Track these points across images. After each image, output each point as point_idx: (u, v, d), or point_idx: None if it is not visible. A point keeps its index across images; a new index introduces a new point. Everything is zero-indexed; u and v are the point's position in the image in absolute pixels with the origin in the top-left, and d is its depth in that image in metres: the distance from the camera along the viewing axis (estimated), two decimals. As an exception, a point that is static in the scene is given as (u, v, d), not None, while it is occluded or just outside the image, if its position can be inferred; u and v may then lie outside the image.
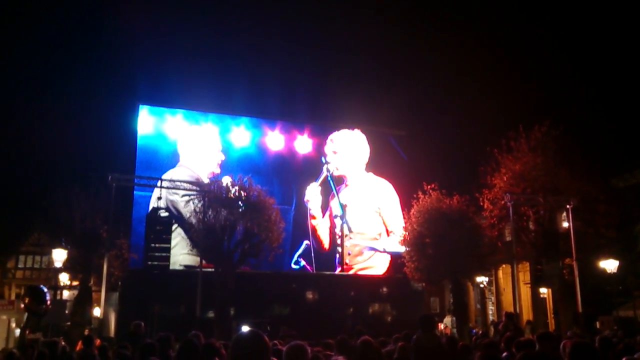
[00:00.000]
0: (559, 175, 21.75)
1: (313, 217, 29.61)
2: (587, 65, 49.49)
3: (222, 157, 28.72)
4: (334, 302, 27.94)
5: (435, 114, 53.44)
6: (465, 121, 50.44)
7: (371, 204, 30.86)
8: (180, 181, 23.46)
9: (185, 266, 25.73)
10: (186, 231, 22.00)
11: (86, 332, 15.46)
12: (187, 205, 23.60)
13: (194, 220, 21.92)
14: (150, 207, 26.11)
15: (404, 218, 25.86)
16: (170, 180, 23.17)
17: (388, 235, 30.31)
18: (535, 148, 22.23)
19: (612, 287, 22.03)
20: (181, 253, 25.17)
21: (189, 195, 23.24)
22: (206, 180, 25.69)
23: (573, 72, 47.81)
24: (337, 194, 30.08)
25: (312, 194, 29.64)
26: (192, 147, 28.59)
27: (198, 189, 22.33)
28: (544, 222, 22.00)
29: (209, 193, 21.37)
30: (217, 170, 28.00)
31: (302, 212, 29.62)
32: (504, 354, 7.22)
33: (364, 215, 30.47)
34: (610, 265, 21.62)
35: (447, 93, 56.99)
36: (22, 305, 16.70)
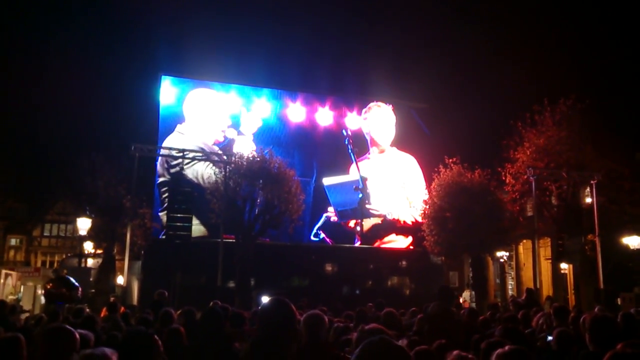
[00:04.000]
0: (584, 150, 21.42)
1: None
2: (613, 38, 48.30)
3: (229, 123, 28.70)
4: (353, 274, 28.13)
5: (458, 87, 52.86)
6: (489, 94, 49.71)
7: (395, 179, 30.79)
8: (202, 151, 23.61)
9: (194, 238, 25.86)
10: (206, 201, 22.13)
11: (112, 299, 15.75)
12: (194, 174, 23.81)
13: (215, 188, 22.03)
14: (159, 177, 26.42)
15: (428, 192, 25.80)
16: (192, 151, 23.32)
17: (410, 208, 30.32)
18: (560, 122, 21.86)
19: (635, 263, 21.76)
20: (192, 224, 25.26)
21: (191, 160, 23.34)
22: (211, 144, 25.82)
23: (600, 45, 46.69)
24: (358, 168, 30.00)
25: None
26: (199, 110, 28.48)
27: (220, 159, 22.42)
28: (567, 197, 21.74)
29: (228, 164, 21.44)
30: (221, 139, 28.03)
31: (322, 184, 29.62)
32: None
33: (387, 189, 30.43)
34: (633, 241, 21.35)
35: (470, 65, 56.07)
36: (45, 290, 16.91)
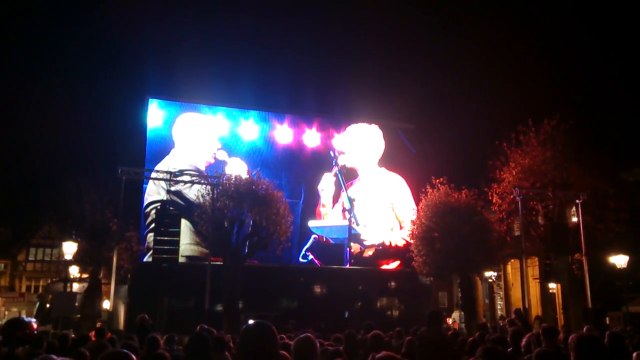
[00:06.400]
0: (569, 170, 21.60)
1: (323, 206, 29.77)
2: (597, 59, 49.13)
3: (219, 146, 28.74)
4: (342, 296, 28.00)
5: (444, 108, 53.32)
6: (475, 115, 50.24)
7: (383, 199, 30.88)
8: (188, 173, 23.50)
9: (188, 257, 25.68)
10: (194, 222, 21.97)
11: (98, 324, 15.54)
12: (196, 193, 23.74)
13: (202, 211, 21.90)
14: (147, 199, 26.22)
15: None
16: (178, 173, 23.22)
17: (401, 229, 30.35)
18: (544, 142, 22.08)
19: (622, 282, 21.82)
20: (184, 243, 24.89)
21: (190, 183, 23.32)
22: (203, 169, 25.72)
23: (583, 66, 47.47)
24: (346, 189, 30.09)
25: (326, 183, 29.81)
26: (188, 134, 28.54)
27: (207, 181, 22.32)
28: (553, 216, 21.87)
29: (216, 186, 21.37)
30: (212, 160, 28.04)
31: (310, 205, 29.65)
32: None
33: (376, 210, 30.50)
34: (620, 260, 21.43)
35: (456, 87, 56.75)
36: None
